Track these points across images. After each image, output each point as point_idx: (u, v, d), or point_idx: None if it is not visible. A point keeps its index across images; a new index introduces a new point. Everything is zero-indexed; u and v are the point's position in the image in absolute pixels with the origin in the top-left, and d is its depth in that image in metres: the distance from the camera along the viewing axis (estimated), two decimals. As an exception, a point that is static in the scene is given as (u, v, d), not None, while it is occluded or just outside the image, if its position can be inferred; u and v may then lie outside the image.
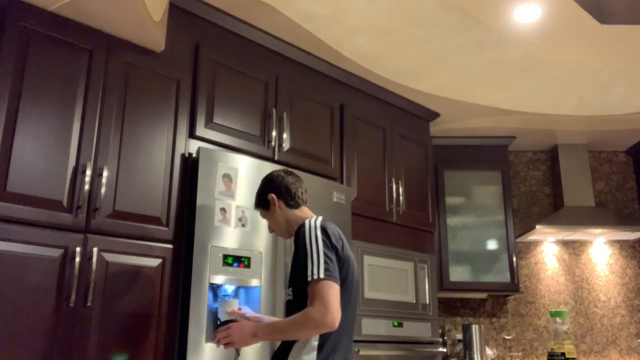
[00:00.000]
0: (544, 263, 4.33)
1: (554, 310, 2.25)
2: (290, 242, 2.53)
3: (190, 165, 2.44)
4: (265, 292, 2.41)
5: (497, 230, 4.01)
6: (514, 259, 3.93)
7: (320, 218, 1.72)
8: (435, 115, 3.86)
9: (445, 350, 3.50)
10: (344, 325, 1.64)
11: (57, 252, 2.00)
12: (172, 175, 2.38)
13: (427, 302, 3.34)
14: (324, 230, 1.66)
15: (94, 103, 2.21)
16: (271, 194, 1.84)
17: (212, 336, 1.76)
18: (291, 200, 1.84)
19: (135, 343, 2.14)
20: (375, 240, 3.21)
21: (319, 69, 3.17)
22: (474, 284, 3.90)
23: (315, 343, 1.61)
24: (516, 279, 3.89)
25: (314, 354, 1.60)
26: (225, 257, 2.33)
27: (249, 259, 2.39)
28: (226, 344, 1.70)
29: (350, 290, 1.71)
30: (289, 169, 1.94)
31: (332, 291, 1.57)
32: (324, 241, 1.64)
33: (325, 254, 1.61)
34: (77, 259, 2.03)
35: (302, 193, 1.86)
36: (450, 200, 4.07)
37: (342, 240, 1.71)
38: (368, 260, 3.09)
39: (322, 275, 1.57)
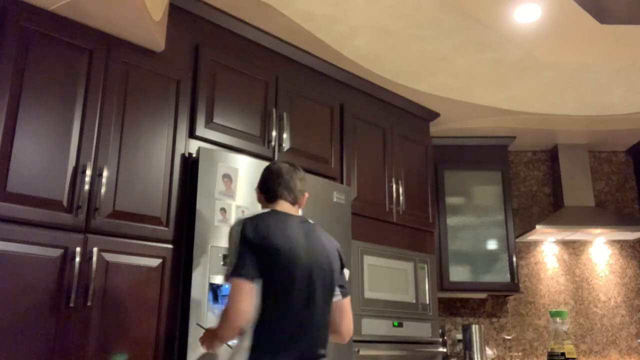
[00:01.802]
0: (544, 263, 4.33)
1: (554, 310, 2.25)
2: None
3: (190, 165, 2.44)
4: (265, 292, 2.41)
5: (497, 230, 4.01)
6: (514, 259, 3.93)
7: (254, 213, 1.70)
8: (435, 115, 3.86)
9: (445, 350, 3.50)
10: (280, 319, 1.57)
11: (57, 252, 2.00)
12: (172, 175, 2.38)
13: (427, 302, 3.34)
14: (242, 224, 1.64)
15: (94, 103, 2.21)
16: (257, 188, 1.87)
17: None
18: (268, 193, 1.82)
19: (135, 343, 2.14)
20: (375, 240, 3.21)
21: (319, 69, 3.17)
22: (474, 284, 3.90)
23: (247, 344, 1.56)
24: (516, 279, 3.89)
25: (246, 354, 1.55)
26: (225, 257, 2.33)
27: (249, 259, 2.39)
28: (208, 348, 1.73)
29: (283, 280, 1.61)
30: (286, 162, 1.90)
31: (236, 289, 1.55)
32: (239, 235, 1.61)
33: (238, 251, 1.60)
34: (77, 259, 2.03)
35: (277, 186, 1.80)
36: (450, 200, 4.07)
37: (267, 230, 1.64)
38: (368, 260, 3.09)
39: (230, 273, 1.58)
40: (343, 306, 1.78)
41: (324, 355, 1.68)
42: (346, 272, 1.85)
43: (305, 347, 1.63)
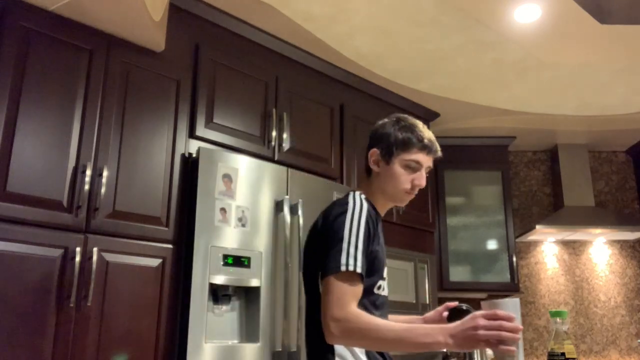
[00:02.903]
0: (544, 263, 4.33)
1: (554, 310, 2.25)
2: (290, 241, 2.53)
3: (190, 165, 2.44)
4: (265, 292, 2.41)
5: (497, 230, 4.01)
6: (514, 259, 3.93)
7: None
8: (435, 115, 3.86)
9: (445, 350, 3.50)
10: None
11: (57, 252, 2.00)
12: (172, 175, 2.38)
13: (427, 302, 3.34)
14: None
15: (94, 103, 2.21)
16: None
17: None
18: None
19: (135, 343, 2.14)
20: (375, 240, 3.20)
21: (319, 69, 3.17)
22: (474, 284, 3.90)
23: None
24: (516, 279, 3.89)
25: None
26: (225, 257, 2.33)
27: (249, 259, 2.39)
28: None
29: None
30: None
31: None
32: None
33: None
34: (77, 259, 2.03)
35: None
36: (450, 200, 4.07)
37: None
38: (368, 260, 3.08)
39: None
40: (322, 290, 1.35)
41: (308, 353, 1.46)
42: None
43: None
